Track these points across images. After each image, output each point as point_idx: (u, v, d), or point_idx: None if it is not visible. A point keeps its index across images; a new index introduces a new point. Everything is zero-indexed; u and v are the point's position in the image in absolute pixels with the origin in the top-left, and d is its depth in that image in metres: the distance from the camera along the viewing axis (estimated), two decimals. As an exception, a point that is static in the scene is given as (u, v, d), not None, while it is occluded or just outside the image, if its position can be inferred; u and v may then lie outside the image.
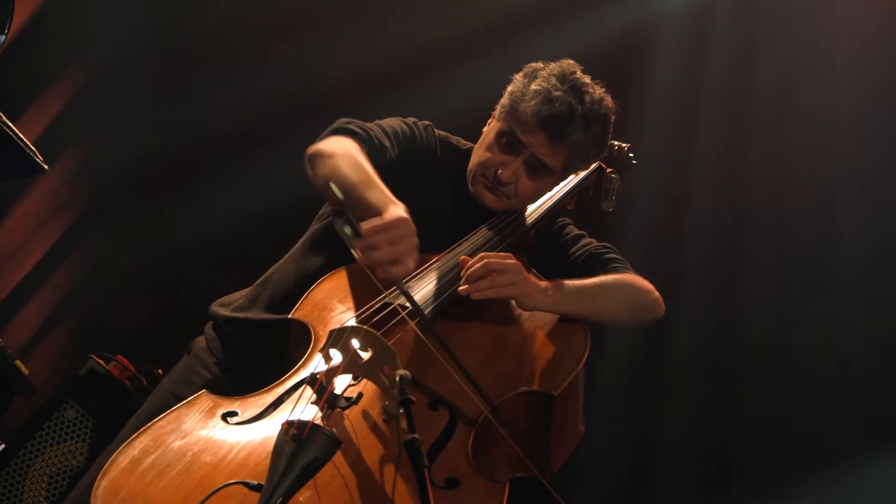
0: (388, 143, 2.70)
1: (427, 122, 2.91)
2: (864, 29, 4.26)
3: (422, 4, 4.47)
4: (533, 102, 2.64)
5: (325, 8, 4.55)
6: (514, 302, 2.53)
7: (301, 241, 2.85)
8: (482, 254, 2.47)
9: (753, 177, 4.40)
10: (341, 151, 2.46)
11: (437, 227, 2.71)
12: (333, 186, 2.16)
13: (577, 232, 2.91)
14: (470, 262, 2.44)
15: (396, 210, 2.21)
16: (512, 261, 2.45)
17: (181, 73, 4.71)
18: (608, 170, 3.11)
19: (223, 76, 4.56)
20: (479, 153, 2.77)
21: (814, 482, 4.21)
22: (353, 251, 2.14)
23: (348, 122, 2.64)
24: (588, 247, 2.82)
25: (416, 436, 1.79)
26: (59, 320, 4.47)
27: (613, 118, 2.77)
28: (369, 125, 2.70)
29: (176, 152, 4.67)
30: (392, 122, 2.79)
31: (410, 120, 2.86)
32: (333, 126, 2.63)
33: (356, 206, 2.25)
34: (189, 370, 2.73)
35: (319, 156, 2.47)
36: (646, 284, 2.72)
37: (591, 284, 2.63)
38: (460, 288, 2.42)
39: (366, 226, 2.12)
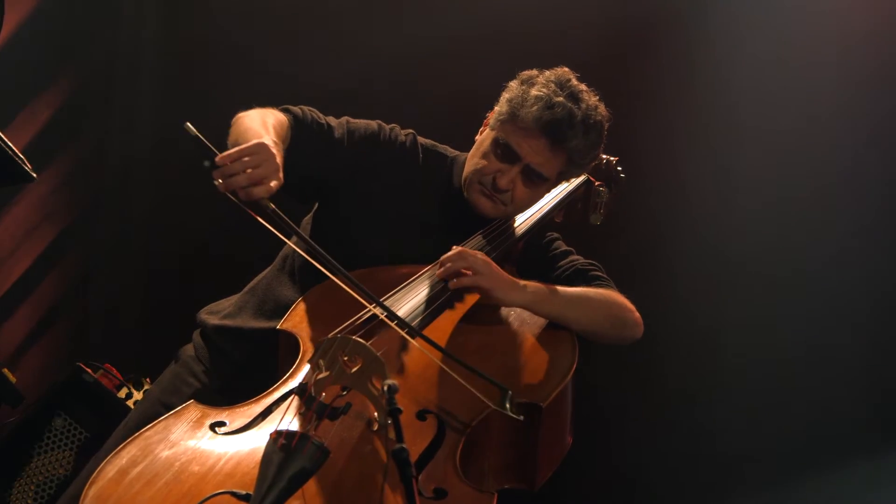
0: (332, 124, 2.76)
1: (409, 130, 2.91)
2: (855, 27, 4.25)
3: (412, 11, 4.47)
4: (534, 108, 2.64)
5: (321, 11, 4.55)
6: (502, 311, 2.55)
7: (285, 248, 2.85)
8: (455, 247, 2.54)
9: (743, 183, 4.40)
10: (253, 113, 2.52)
11: (427, 234, 2.75)
12: (188, 126, 2.20)
13: (565, 247, 2.93)
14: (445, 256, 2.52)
15: (257, 139, 2.26)
16: (482, 256, 2.52)
17: (172, 81, 4.71)
18: (596, 183, 3.12)
19: (214, 84, 4.56)
20: (474, 160, 2.77)
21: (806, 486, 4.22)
22: (215, 182, 2.17)
23: (293, 105, 2.72)
24: (575, 263, 2.83)
25: (404, 445, 1.79)
26: (47, 328, 4.46)
27: (607, 126, 2.79)
28: (314, 110, 2.75)
29: (165, 161, 4.67)
30: (356, 120, 2.84)
31: (388, 126, 2.88)
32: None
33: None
34: (177, 378, 2.72)
35: (235, 119, 2.54)
36: (628, 303, 2.73)
37: (573, 291, 2.66)
38: (437, 272, 2.51)
39: (221, 155, 2.17)
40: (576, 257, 2.88)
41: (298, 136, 2.64)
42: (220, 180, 2.17)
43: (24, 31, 4.17)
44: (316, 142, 2.70)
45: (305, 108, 2.74)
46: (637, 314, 2.74)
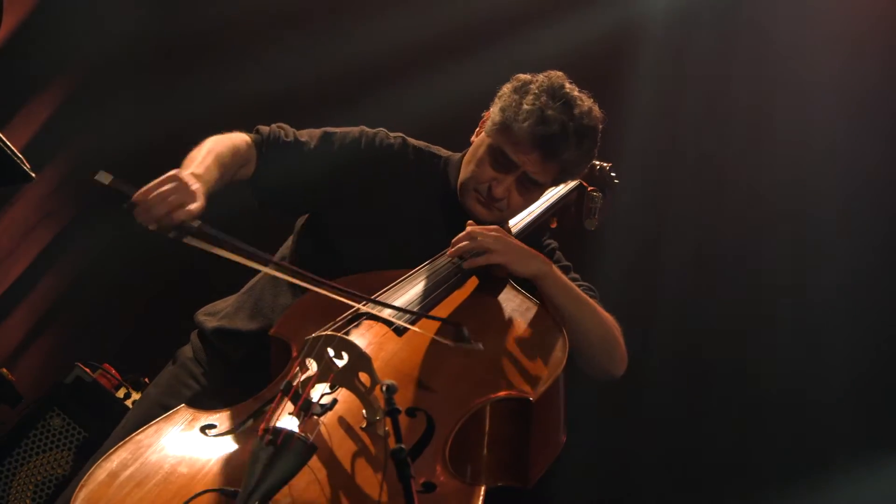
0: (302, 136, 2.79)
1: (398, 134, 2.89)
2: (847, 38, 4.26)
3: (406, 9, 4.48)
4: (526, 123, 2.63)
5: (317, 10, 4.56)
6: (492, 307, 2.55)
7: (282, 249, 2.86)
8: (469, 223, 2.58)
9: (737, 190, 4.40)
10: (207, 141, 2.58)
11: (424, 234, 2.74)
12: (100, 175, 2.25)
13: (564, 262, 2.94)
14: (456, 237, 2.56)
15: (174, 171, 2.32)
16: (494, 230, 2.55)
17: (169, 81, 4.72)
18: (590, 188, 3.11)
19: (211, 83, 4.57)
20: (469, 167, 2.76)
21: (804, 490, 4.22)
22: (138, 221, 2.24)
23: (265, 126, 2.77)
24: (575, 280, 2.82)
25: (403, 446, 1.80)
26: (46, 328, 4.48)
27: (601, 127, 2.77)
28: (284, 126, 2.80)
29: (164, 161, 4.66)
30: (335, 129, 2.85)
31: (372, 130, 2.86)
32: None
33: None
34: (175, 379, 2.73)
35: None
36: (621, 339, 2.74)
37: (584, 294, 2.68)
38: (449, 251, 2.55)
39: (136, 193, 2.23)
40: (575, 276, 2.89)
41: (267, 152, 2.71)
42: (143, 216, 2.22)
43: (24, 31, 4.19)
44: (284, 153, 2.73)
45: (276, 125, 2.79)
46: (625, 353, 2.75)
